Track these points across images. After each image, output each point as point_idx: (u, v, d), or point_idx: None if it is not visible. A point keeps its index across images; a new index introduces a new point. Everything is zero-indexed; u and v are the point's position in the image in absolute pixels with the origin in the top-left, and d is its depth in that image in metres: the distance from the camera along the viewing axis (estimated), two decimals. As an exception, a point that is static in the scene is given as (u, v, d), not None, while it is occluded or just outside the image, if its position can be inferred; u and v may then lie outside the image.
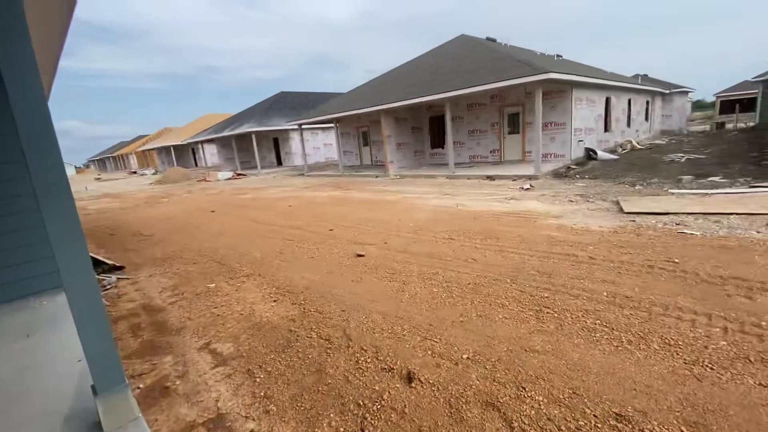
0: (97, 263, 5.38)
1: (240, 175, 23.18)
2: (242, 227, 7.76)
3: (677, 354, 2.45)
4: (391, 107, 14.51)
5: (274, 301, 3.89)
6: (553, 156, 13.29)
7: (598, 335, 2.73)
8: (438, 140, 17.00)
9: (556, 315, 3.04)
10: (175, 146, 39.20)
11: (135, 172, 44.84)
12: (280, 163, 29.28)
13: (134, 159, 59.28)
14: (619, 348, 2.56)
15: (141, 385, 2.63)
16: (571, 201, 7.42)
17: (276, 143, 29.13)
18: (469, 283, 3.82)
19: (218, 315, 3.68)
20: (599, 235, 5.05)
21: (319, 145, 28.81)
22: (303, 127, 20.91)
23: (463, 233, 5.71)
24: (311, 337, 3.05)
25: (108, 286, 4.79)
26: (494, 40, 19.37)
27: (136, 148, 57.12)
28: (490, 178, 11.76)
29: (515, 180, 11.04)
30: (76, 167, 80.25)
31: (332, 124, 23.29)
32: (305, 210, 9.12)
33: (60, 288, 4.34)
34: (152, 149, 46.56)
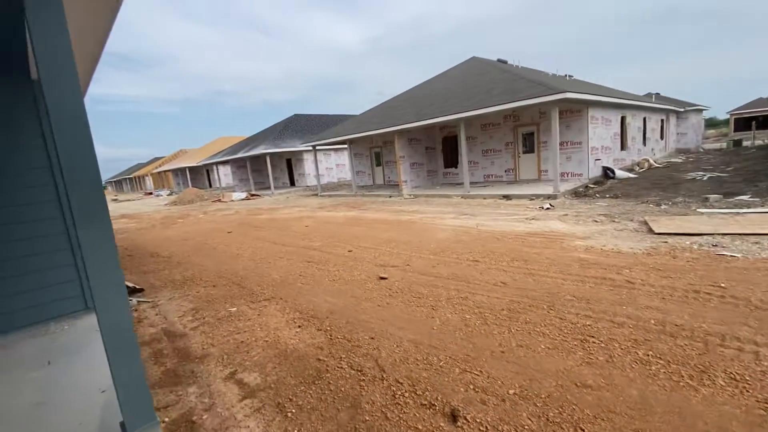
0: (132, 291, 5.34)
1: (254, 195, 23.41)
2: (260, 248, 7.70)
3: (747, 391, 2.24)
4: (405, 128, 14.60)
5: (299, 327, 3.76)
6: (570, 175, 13.12)
7: (653, 368, 2.52)
8: (451, 160, 17.00)
9: (603, 345, 2.84)
10: (190, 167, 40.02)
11: (151, 193, 45.75)
12: (293, 183, 29.58)
13: (150, 180, 60.63)
14: (680, 383, 2.35)
15: (166, 419, 2.49)
16: (596, 221, 7.22)
17: (289, 164, 29.53)
18: (503, 309, 3.64)
19: (242, 342, 3.55)
20: (632, 257, 4.83)
21: (332, 165, 29.10)
22: (317, 148, 21.16)
23: (487, 255, 5.55)
24: (342, 368, 2.89)
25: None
26: (505, 62, 19.59)
27: (152, 169, 58.51)
28: (507, 197, 11.61)
29: (533, 199, 10.87)
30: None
31: (345, 145, 23.57)
32: (322, 230, 9.05)
33: (81, 312, 4.29)
34: (168, 171, 47.63)
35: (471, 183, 14.55)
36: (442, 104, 14.28)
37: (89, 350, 3.30)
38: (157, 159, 69.43)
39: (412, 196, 14.57)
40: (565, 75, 20.91)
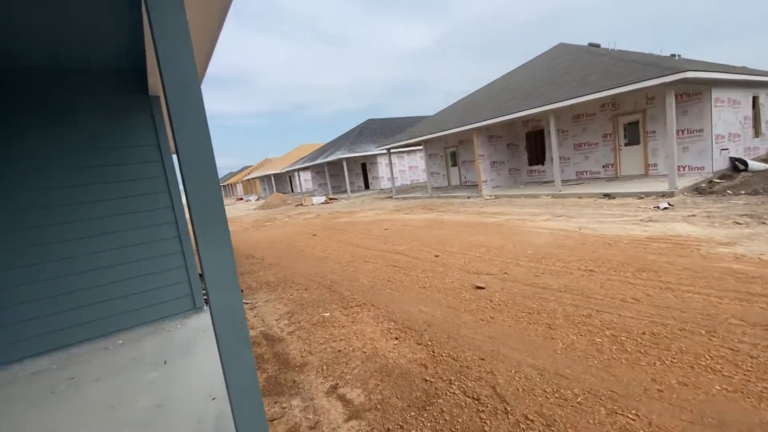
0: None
1: (332, 199, 24.29)
2: (344, 251, 7.72)
3: None
4: (484, 125, 13.83)
5: (396, 338, 3.51)
6: (687, 169, 11.20)
7: None
8: (537, 156, 15.71)
9: (816, 394, 2.10)
10: (275, 174, 43.20)
11: (241, 199, 50.40)
12: (367, 186, 30.17)
13: (240, 187, 66.96)
14: None
15: (273, 434, 2.39)
16: (738, 223, 5.89)
17: (364, 168, 30.18)
18: (644, 333, 2.98)
19: (339, 351, 3.40)
20: (815, 270, 3.74)
21: (405, 167, 29.05)
22: (391, 150, 21.20)
23: (602, 263, 4.77)
24: (454, 393, 2.54)
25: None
26: (598, 46, 17.62)
27: (241, 177, 64.60)
28: (608, 196, 10.26)
29: (642, 198, 9.43)
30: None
31: (418, 147, 23.32)
32: (403, 234, 8.83)
33: (190, 311, 4.56)
34: (255, 178, 52.06)
35: (562, 181, 13.23)
36: (527, 97, 13.23)
37: (199, 351, 3.42)
38: (246, 168, 76.54)
39: (493, 197, 13.72)
40: (672, 55, 18.15)
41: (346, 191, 28.31)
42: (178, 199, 4.46)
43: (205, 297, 4.69)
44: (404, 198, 18.63)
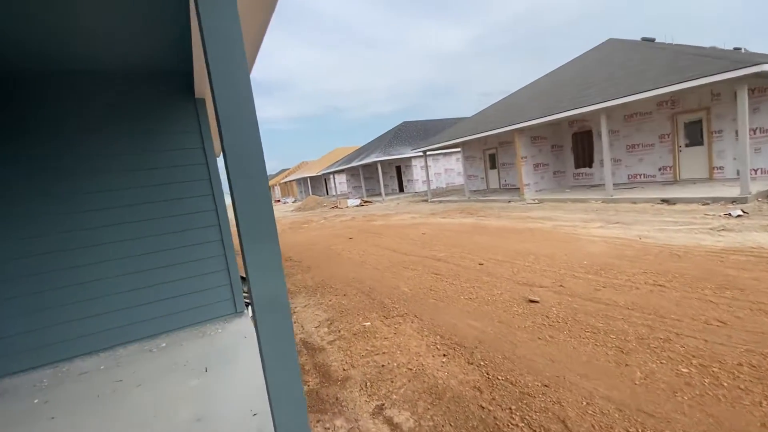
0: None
1: (366, 202, 24.30)
2: (382, 256, 7.54)
3: None
4: (527, 125, 13.22)
5: (444, 355, 3.25)
6: (760, 172, 10.09)
7: None
8: (584, 159, 14.82)
9: None
10: (310, 177, 44.06)
11: (279, 201, 51.81)
12: (401, 189, 29.97)
13: (278, 189, 68.95)
14: None
15: (316, 458, 2.22)
16: (837, 234, 5.11)
17: (398, 171, 30.02)
18: (740, 364, 2.54)
19: (383, 366, 3.19)
20: None
21: (440, 170, 28.60)
22: (427, 153, 20.87)
23: (673, 278, 4.26)
24: (517, 425, 2.25)
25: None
26: (652, 40, 16.43)
27: (279, 180, 66.48)
28: (668, 201, 9.41)
29: (707, 204, 8.54)
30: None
31: (454, 149, 22.84)
32: (441, 239, 8.52)
33: (231, 316, 4.52)
34: (292, 180, 53.37)
35: (613, 185, 12.37)
36: (575, 95, 12.50)
37: (239, 360, 3.33)
38: (283, 170, 78.74)
39: (536, 201, 13.06)
40: (737, 48, 16.57)
41: (380, 194, 28.26)
42: (222, 202, 4.45)
43: (246, 302, 4.66)
44: (440, 201, 18.23)
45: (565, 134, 15.32)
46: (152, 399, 2.83)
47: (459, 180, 28.48)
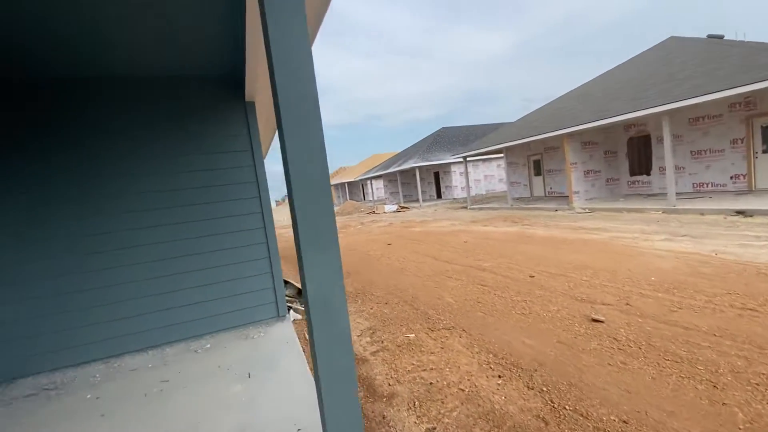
0: (298, 292, 5.60)
1: (403, 207, 24.11)
2: (422, 264, 7.30)
3: None
4: (578, 129, 12.47)
5: (499, 377, 2.96)
6: None
7: None
8: (641, 165, 13.76)
9: None
10: (348, 183, 44.63)
11: (316, 205, 52.76)
12: (439, 196, 29.51)
13: (316, 194, 70.53)
14: None
15: (364, 484, 2.03)
16: None
17: (437, 177, 29.60)
18: None
19: (431, 384, 2.97)
20: None
21: (480, 177, 27.87)
22: (467, 159, 20.38)
23: (766, 301, 3.69)
24: (595, 468, 1.95)
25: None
26: (720, 37, 15.07)
27: (318, 184, 68.00)
28: (743, 213, 8.43)
29: (795, 217, 7.54)
30: (276, 201, 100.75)
31: (495, 155, 22.16)
32: (485, 248, 8.14)
33: (273, 320, 4.48)
34: (331, 185, 54.43)
35: (676, 194, 11.35)
36: (631, 98, 11.65)
37: (282, 367, 3.24)
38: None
39: (586, 210, 12.26)
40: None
41: (417, 200, 27.99)
42: (267, 205, 4.45)
43: (289, 306, 4.60)
44: (480, 208, 17.67)
45: (620, 139, 14.32)
46: (197, 403, 2.78)
47: (499, 187, 27.60)
